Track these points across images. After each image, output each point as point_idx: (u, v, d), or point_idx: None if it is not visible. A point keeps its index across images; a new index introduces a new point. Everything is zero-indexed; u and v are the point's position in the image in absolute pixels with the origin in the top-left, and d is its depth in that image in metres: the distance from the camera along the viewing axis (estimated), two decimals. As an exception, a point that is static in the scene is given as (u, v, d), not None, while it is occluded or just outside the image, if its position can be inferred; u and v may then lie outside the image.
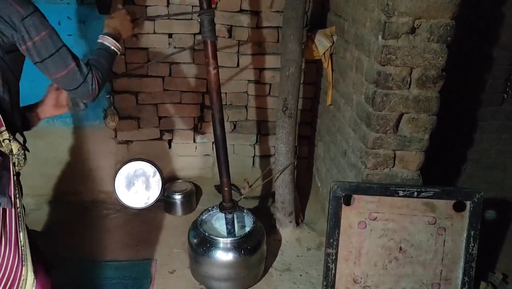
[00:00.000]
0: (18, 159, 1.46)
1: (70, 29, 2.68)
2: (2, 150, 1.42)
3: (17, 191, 1.47)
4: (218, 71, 2.08)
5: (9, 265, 1.44)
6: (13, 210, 1.44)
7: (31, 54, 1.41)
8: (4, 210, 1.42)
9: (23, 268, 1.47)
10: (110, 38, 1.64)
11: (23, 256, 1.47)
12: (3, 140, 1.42)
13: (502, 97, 3.02)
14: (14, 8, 1.36)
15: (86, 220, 2.83)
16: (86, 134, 2.99)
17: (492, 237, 2.69)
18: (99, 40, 1.65)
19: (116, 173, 2.96)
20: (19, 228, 1.46)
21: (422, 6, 1.86)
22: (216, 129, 2.17)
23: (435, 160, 2.37)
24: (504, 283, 2.38)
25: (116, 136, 3.06)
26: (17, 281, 1.46)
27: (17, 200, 1.46)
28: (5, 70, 1.43)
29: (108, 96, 2.88)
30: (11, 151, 1.44)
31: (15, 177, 1.45)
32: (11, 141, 1.44)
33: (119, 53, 1.67)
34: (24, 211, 1.55)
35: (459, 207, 2.06)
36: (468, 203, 2.05)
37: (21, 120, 1.62)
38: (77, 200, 3.00)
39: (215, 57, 2.06)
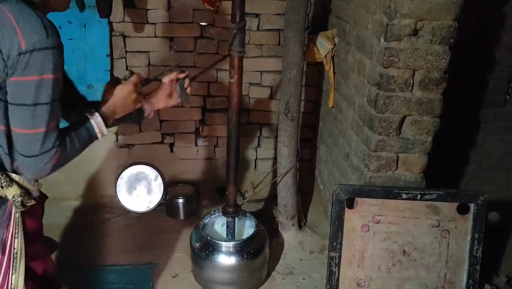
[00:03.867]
0: (15, 204, 1.28)
1: (71, 33, 2.68)
2: None
3: (16, 230, 1.31)
4: (241, 85, 2.05)
5: None
6: (6, 252, 1.31)
7: (7, 92, 1.15)
8: None
9: None
10: (99, 118, 1.34)
11: None
12: None
13: (504, 98, 3.01)
14: (17, 38, 1.10)
15: (88, 224, 2.82)
16: (87, 138, 2.98)
17: (496, 239, 2.67)
18: (86, 114, 1.34)
19: (117, 177, 2.95)
20: (12, 270, 1.32)
21: (424, 8, 1.85)
22: (231, 139, 2.14)
23: (438, 162, 2.36)
24: (509, 285, 2.37)
25: (117, 140, 3.05)
26: None
27: (14, 241, 1.31)
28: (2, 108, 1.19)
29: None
30: (6, 196, 1.28)
31: (17, 214, 1.31)
32: (5, 188, 1.26)
33: (100, 139, 1.37)
34: (25, 248, 1.37)
35: (462, 210, 2.05)
36: (472, 206, 2.03)
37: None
38: (79, 204, 3.00)
39: (240, 72, 2.01)
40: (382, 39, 1.94)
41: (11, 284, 1.32)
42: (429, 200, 2.02)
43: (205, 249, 2.24)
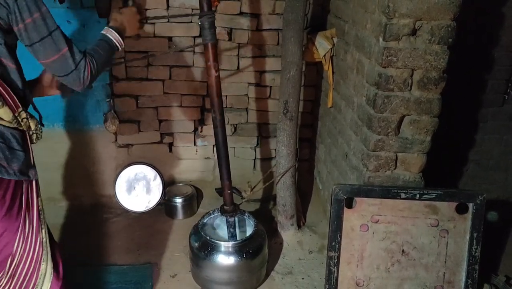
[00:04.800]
0: (36, 133, 1.53)
1: (70, 33, 2.67)
2: (21, 128, 1.48)
3: (37, 191, 1.60)
4: (219, 75, 2.08)
5: (34, 234, 1.58)
6: (34, 181, 1.56)
7: (22, 37, 1.39)
8: (30, 182, 1.54)
9: (42, 231, 1.61)
10: (114, 32, 1.63)
11: (42, 223, 1.60)
12: (22, 119, 1.47)
13: (503, 98, 3.01)
14: None
15: (87, 224, 2.82)
16: (86, 138, 2.98)
17: (495, 239, 2.68)
18: (102, 32, 1.63)
19: (116, 176, 2.95)
20: (38, 197, 1.59)
21: (423, 7, 1.85)
22: (217, 133, 2.16)
23: (437, 161, 2.36)
24: (508, 285, 2.37)
25: (116, 140, 3.05)
26: (36, 259, 1.62)
27: (38, 199, 1.60)
28: (13, 51, 1.46)
29: (108, 100, 2.87)
30: (29, 127, 1.50)
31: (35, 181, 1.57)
32: (29, 119, 1.49)
33: (120, 48, 1.65)
34: None
35: (461, 209, 2.05)
36: (470, 205, 2.03)
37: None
38: (78, 204, 2.99)
39: (215, 60, 2.05)
40: (380, 39, 1.94)
41: (40, 209, 1.60)
42: (428, 199, 2.03)
43: (204, 249, 2.24)
